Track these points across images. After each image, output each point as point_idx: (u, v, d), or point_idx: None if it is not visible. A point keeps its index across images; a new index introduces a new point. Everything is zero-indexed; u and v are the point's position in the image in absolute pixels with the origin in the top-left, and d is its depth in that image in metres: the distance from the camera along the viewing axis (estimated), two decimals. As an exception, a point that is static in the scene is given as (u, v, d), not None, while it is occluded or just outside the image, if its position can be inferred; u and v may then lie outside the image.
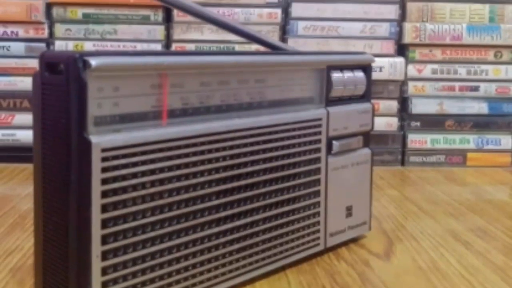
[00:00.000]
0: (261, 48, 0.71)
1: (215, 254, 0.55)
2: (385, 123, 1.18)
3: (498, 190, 1.02)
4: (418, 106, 1.18)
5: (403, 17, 1.18)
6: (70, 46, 1.14)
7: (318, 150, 0.65)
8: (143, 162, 0.49)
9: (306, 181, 0.64)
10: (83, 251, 0.46)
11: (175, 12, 1.14)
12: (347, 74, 0.68)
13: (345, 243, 0.71)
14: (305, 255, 0.65)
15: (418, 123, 1.19)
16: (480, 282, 0.62)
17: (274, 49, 0.70)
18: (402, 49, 1.19)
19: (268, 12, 1.15)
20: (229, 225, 0.56)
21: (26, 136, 1.13)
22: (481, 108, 1.19)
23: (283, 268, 0.63)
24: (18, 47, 1.13)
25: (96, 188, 0.46)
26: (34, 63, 1.12)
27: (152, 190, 0.50)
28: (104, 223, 0.47)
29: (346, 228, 0.70)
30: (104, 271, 0.47)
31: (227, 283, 0.57)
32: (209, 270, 0.55)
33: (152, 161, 0.49)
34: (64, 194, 0.46)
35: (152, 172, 0.49)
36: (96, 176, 0.46)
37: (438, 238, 0.75)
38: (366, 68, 0.71)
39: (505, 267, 0.66)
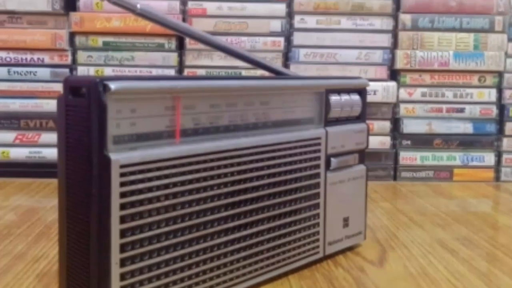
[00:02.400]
0: (266, 73, 0.71)
1: (224, 261, 0.55)
2: (379, 142, 1.18)
3: (481, 203, 1.02)
4: (409, 126, 1.18)
5: (395, 45, 1.18)
6: (91, 71, 1.14)
7: (317, 166, 0.65)
8: (158, 177, 0.49)
9: (306, 195, 0.64)
10: (103, 258, 0.46)
11: (187, 40, 1.14)
12: (344, 97, 0.68)
13: (342, 251, 0.71)
14: (305, 262, 0.65)
15: (409, 142, 1.19)
16: (465, 287, 0.62)
17: (277, 74, 0.71)
18: (394, 74, 1.19)
19: (272, 40, 1.15)
20: (236, 235, 0.56)
21: (51, 154, 1.14)
22: (467, 128, 1.19)
23: (285, 274, 0.63)
24: (44, 72, 1.13)
25: (115, 201, 0.46)
26: (58, 87, 1.13)
27: (166, 202, 0.50)
28: (123, 233, 0.47)
29: (343, 238, 0.70)
30: (123, 277, 0.47)
31: None
32: (218, 276, 0.55)
33: (166, 176, 0.49)
34: (86, 206, 0.46)
35: (166, 186, 0.49)
36: (115, 190, 0.46)
37: (427, 246, 0.75)
38: (362, 92, 0.71)
39: (488, 273, 0.66)
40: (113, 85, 0.45)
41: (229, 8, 1.14)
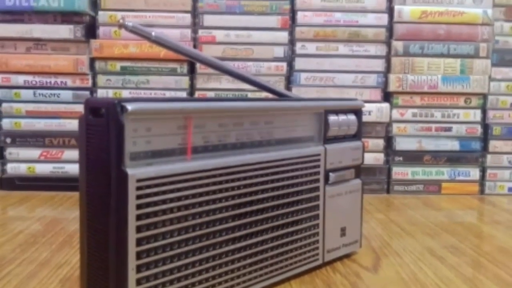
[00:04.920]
0: (270, 95, 0.72)
1: (231, 267, 0.55)
2: (373, 158, 1.18)
3: (467, 214, 1.01)
4: (401, 144, 1.18)
5: (388, 69, 1.18)
6: (110, 93, 1.14)
7: (317, 180, 0.65)
8: (171, 191, 0.49)
9: (307, 207, 0.64)
10: (121, 265, 0.46)
11: (198, 65, 1.14)
12: (342, 117, 0.68)
13: (339, 258, 0.71)
14: (306, 268, 0.65)
15: (401, 158, 1.19)
16: (453, 292, 0.62)
17: (280, 96, 0.71)
18: (387, 96, 1.19)
19: (275, 65, 1.16)
20: (243, 243, 0.56)
21: (73, 169, 1.14)
22: (454, 145, 1.19)
23: (288, 279, 0.63)
24: (66, 95, 1.14)
25: (132, 212, 0.46)
26: (80, 108, 1.12)
27: (179, 214, 0.50)
28: (139, 242, 0.47)
29: (341, 246, 0.70)
30: (139, 282, 0.47)
31: (241, 292, 0.57)
32: (226, 281, 0.55)
33: (179, 189, 0.49)
34: (105, 217, 0.46)
35: (179, 199, 0.49)
36: (132, 202, 0.46)
37: (418, 254, 0.75)
38: (358, 112, 0.71)
39: (473, 278, 0.66)
40: (130, 106, 0.45)
41: (236, 35, 1.15)
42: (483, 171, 1.21)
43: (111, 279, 0.47)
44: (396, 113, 1.18)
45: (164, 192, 0.48)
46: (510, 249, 0.78)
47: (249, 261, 0.57)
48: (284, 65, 1.16)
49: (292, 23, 1.16)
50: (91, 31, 1.14)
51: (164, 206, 0.48)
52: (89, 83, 1.14)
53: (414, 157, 1.20)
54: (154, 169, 0.48)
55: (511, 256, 0.75)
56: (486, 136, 1.20)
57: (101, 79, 1.14)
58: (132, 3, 1.14)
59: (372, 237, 0.83)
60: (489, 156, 1.21)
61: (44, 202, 1.03)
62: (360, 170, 0.72)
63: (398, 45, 1.17)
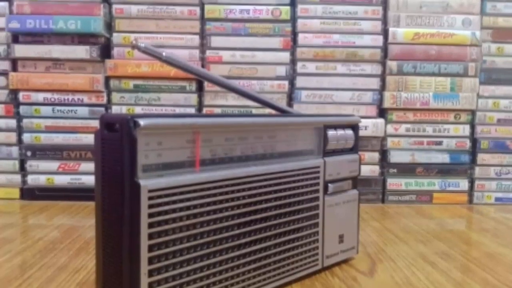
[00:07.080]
0: (273, 111, 0.72)
1: (236, 272, 0.55)
2: (369, 170, 1.18)
3: (457, 222, 1.01)
4: (395, 157, 1.18)
5: (383, 87, 1.18)
6: (123, 110, 1.14)
7: (317, 191, 0.65)
8: (181, 200, 0.49)
9: (307, 215, 0.64)
10: (133, 270, 0.46)
11: (206, 83, 1.15)
12: (340, 132, 0.68)
13: (338, 263, 0.71)
14: (307, 273, 0.65)
15: (395, 170, 1.19)
16: (444, 295, 0.62)
17: (282, 112, 0.71)
18: (382, 112, 1.19)
19: (278, 83, 1.16)
20: (247, 249, 0.56)
21: (89, 180, 1.14)
22: (444, 158, 1.19)
23: (289, 283, 0.63)
24: (83, 111, 1.14)
25: (144, 221, 0.46)
26: (95, 123, 1.13)
27: (188, 222, 0.50)
28: (150, 248, 0.47)
29: (339, 252, 0.70)
30: (150, 286, 0.47)
31: (246, 295, 0.57)
32: (232, 285, 0.55)
33: (188, 199, 0.49)
34: (119, 225, 0.46)
35: (188, 208, 0.50)
36: (144, 211, 0.46)
37: (411, 259, 0.75)
38: (354, 127, 0.71)
39: (463, 282, 0.66)
40: (142, 122, 0.46)
41: (241, 56, 1.15)
42: (471, 182, 1.21)
43: (124, 283, 0.47)
44: (390, 128, 1.18)
45: (174, 202, 0.48)
46: (497, 255, 0.78)
47: (253, 266, 0.57)
48: (286, 83, 1.16)
49: (293, 44, 1.17)
50: (106, 51, 1.15)
51: (174, 215, 0.48)
52: (104, 100, 1.15)
53: (407, 169, 1.19)
54: (165, 180, 0.48)
55: (498, 261, 0.75)
56: (474, 149, 1.21)
57: (115, 96, 1.15)
58: (144, 26, 1.14)
59: (368, 243, 0.82)
60: (477, 168, 1.21)
61: (62, 211, 1.03)
62: (357, 181, 0.72)
63: (392, 64, 1.17)
